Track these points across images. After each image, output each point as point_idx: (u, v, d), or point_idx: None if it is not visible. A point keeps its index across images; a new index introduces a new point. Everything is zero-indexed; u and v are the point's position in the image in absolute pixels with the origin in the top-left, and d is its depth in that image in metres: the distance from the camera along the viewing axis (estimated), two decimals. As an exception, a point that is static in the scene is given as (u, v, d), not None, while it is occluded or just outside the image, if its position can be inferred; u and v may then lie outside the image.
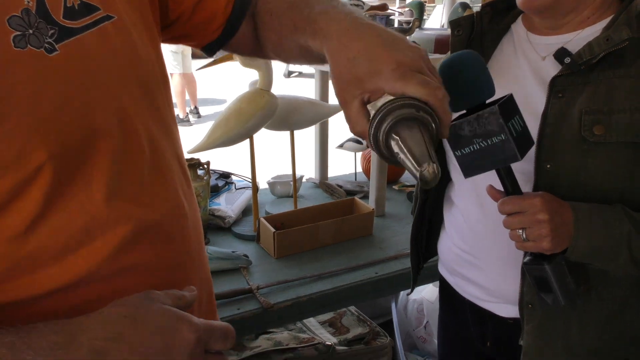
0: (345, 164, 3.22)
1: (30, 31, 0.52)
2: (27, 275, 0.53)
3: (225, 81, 7.37)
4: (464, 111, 0.75)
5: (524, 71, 0.93)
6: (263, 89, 1.58)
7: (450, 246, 1.12)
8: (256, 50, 0.83)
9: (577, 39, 0.88)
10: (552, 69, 0.89)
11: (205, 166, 1.69)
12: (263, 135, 2.02)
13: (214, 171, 1.99)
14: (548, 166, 0.86)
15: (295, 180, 1.85)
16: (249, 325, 1.33)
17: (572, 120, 0.84)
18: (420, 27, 2.16)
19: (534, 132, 0.84)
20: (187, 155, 1.71)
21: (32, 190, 0.52)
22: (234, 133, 1.58)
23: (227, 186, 1.97)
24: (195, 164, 1.67)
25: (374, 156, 1.86)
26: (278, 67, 8.72)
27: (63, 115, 0.53)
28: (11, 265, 0.52)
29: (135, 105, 0.62)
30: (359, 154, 2.19)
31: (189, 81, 5.85)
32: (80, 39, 0.56)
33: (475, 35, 1.00)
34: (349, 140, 2.15)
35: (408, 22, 2.28)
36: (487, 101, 0.75)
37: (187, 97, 5.94)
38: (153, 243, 0.61)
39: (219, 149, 1.63)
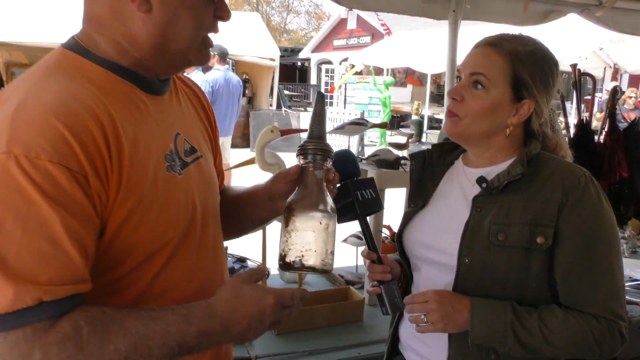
0: (349, 256, 3.47)
1: (173, 163, 0.89)
2: (159, 299, 0.89)
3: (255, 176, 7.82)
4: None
5: (458, 193, 1.23)
6: (276, 190, 1.92)
7: (406, 325, 1.34)
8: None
9: (492, 171, 1.18)
10: (476, 192, 1.18)
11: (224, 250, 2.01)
12: (276, 225, 2.33)
13: (232, 255, 2.30)
14: (467, 260, 1.13)
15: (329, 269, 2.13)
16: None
17: (484, 228, 1.12)
18: (420, 141, 2.52)
19: (459, 236, 1.14)
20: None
21: (163, 252, 0.87)
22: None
23: (242, 269, 2.26)
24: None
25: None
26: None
27: (183, 211, 0.90)
28: (146, 296, 0.88)
29: (209, 211, 1.00)
30: (360, 248, 2.47)
31: (226, 173, 6.33)
32: (191, 168, 0.93)
33: (428, 165, 1.32)
34: (352, 235, 2.44)
35: (411, 136, 2.65)
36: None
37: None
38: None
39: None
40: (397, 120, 14.34)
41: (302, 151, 1.00)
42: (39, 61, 0.85)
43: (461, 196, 1.22)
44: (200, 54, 0.90)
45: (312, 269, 0.93)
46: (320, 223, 0.92)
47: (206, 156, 1.02)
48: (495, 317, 1.06)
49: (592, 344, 1.05)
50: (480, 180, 1.17)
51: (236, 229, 1.21)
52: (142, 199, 0.82)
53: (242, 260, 2.31)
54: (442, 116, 13.20)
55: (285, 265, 0.93)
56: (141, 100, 0.88)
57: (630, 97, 8.96)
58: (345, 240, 2.47)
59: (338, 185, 1.11)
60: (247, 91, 11.46)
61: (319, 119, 1.02)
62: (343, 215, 1.14)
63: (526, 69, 1.11)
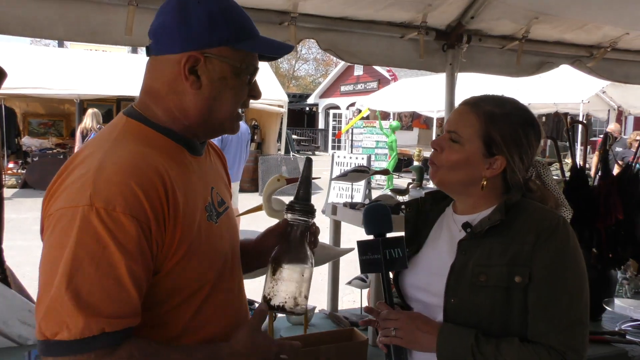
0: (354, 298, 3.54)
1: (211, 213, 1.05)
2: (198, 331, 1.03)
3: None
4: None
5: (447, 238, 1.33)
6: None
7: None
8: None
9: (477, 218, 1.28)
10: (462, 236, 1.28)
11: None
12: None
13: (240, 298, 2.38)
14: (452, 300, 1.22)
15: (307, 311, 2.22)
16: None
17: (468, 270, 1.22)
18: (421, 186, 2.63)
19: (445, 278, 1.24)
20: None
21: (202, 291, 1.02)
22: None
23: (250, 312, 2.34)
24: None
25: (372, 293, 2.22)
26: (319, 204, 9.33)
27: (219, 254, 1.05)
28: (187, 329, 1.02)
29: (238, 252, 1.18)
30: (365, 290, 2.55)
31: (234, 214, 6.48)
32: (222, 217, 1.08)
33: (422, 213, 1.44)
34: (356, 278, 2.52)
35: (412, 182, 2.76)
36: (388, 235, 1.27)
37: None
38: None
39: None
40: (404, 164, 14.52)
41: (290, 209, 1.18)
42: (107, 127, 1.05)
43: (449, 241, 1.32)
44: (234, 124, 1.09)
45: (291, 312, 1.12)
46: (303, 275, 1.12)
47: (230, 206, 1.17)
48: (459, 341, 1.16)
49: None
50: (466, 225, 1.27)
51: None
52: (191, 244, 0.98)
53: (250, 302, 2.39)
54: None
55: (269, 307, 1.12)
56: (188, 160, 1.05)
57: (637, 140, 9.07)
58: (349, 283, 2.55)
59: (368, 239, 1.25)
60: (256, 137, 11.72)
61: (306, 182, 1.21)
62: (368, 265, 1.25)
63: (497, 129, 1.24)
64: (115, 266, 0.87)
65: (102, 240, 0.86)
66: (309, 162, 1.23)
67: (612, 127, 9.71)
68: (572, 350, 1.13)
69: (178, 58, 0.99)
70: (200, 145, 1.10)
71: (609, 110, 11.90)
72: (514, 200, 1.25)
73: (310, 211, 1.18)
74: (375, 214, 1.29)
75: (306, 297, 1.15)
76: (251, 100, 1.10)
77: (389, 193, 2.46)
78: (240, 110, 1.08)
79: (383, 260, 1.22)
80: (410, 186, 2.43)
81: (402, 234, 1.41)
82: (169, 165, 0.98)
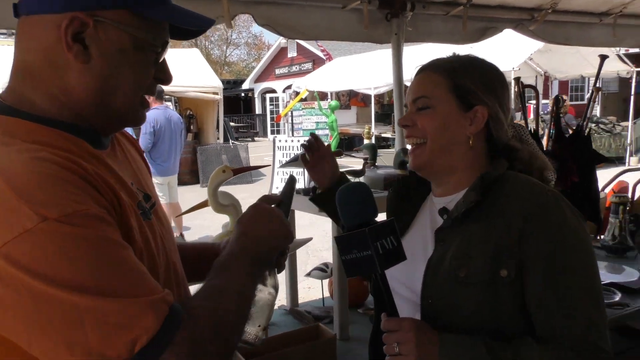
0: (314, 290, 3.39)
1: (144, 210, 0.84)
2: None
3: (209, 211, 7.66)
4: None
5: (426, 225, 1.17)
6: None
7: None
8: None
9: (454, 200, 1.12)
10: (441, 223, 1.12)
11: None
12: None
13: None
14: (430, 300, 1.06)
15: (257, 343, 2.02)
16: None
17: (446, 264, 1.05)
18: (375, 166, 2.48)
19: (422, 273, 1.07)
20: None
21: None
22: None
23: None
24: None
25: (335, 283, 2.06)
26: (264, 190, 9.11)
27: (161, 257, 0.86)
28: None
29: (177, 255, 0.96)
30: (326, 281, 2.39)
31: (174, 210, 6.14)
32: (152, 216, 0.88)
33: (405, 195, 1.26)
34: (315, 269, 2.36)
35: (365, 160, 2.60)
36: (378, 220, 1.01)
37: (173, 224, 6.20)
38: None
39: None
40: (345, 143, 14.47)
41: None
42: None
43: (429, 229, 1.15)
44: (137, 113, 0.85)
45: (255, 344, 0.98)
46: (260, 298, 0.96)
47: (158, 202, 0.95)
48: (466, 352, 0.97)
49: None
50: (443, 211, 1.11)
51: None
52: (135, 249, 0.77)
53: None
54: (389, 135, 13.43)
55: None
56: (94, 155, 0.80)
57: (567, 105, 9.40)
58: (309, 274, 2.39)
59: (349, 232, 0.98)
60: (192, 127, 11.29)
61: (285, 203, 1.00)
62: (356, 266, 0.96)
63: (466, 77, 1.09)
64: (122, 259, 0.71)
65: (88, 242, 0.68)
66: (291, 181, 1.02)
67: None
68: (599, 350, 0.96)
69: (57, 19, 0.74)
70: (104, 137, 0.87)
71: (536, 76, 12.30)
72: (493, 175, 1.07)
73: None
74: (355, 197, 1.01)
75: (260, 326, 0.98)
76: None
77: (345, 175, 2.29)
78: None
79: (376, 255, 0.93)
80: (365, 166, 2.28)
81: (385, 215, 1.22)
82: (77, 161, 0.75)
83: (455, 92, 1.09)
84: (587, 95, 14.28)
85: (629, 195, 3.10)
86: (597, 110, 13.50)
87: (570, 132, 2.60)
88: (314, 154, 1.48)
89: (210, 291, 0.81)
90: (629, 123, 11.73)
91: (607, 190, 3.24)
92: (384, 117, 16.55)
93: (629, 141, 11.64)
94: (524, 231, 0.99)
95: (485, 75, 1.11)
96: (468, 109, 1.09)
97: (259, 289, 0.94)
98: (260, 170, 10.78)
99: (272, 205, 0.97)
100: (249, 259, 0.86)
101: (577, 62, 11.10)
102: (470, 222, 1.06)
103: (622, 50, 10.80)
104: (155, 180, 5.75)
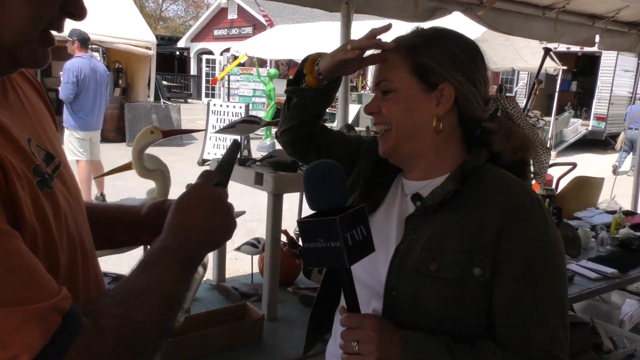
0: (241, 262, 3.27)
1: (43, 177, 0.67)
2: None
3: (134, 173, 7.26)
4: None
5: (394, 209, 1.07)
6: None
7: (332, 349, 1.17)
8: None
9: (429, 186, 1.03)
10: (412, 209, 1.03)
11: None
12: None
13: (106, 274, 1.99)
14: (394, 292, 0.98)
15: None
16: None
17: (415, 255, 0.97)
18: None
19: (388, 262, 0.99)
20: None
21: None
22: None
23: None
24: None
25: (267, 260, 1.96)
26: (195, 155, 8.79)
27: (65, 233, 0.69)
28: None
29: (87, 228, 0.79)
30: (256, 257, 2.28)
31: (96, 168, 5.76)
32: (56, 179, 0.71)
33: (381, 163, 1.12)
34: (246, 243, 2.24)
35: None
36: (347, 205, 0.89)
37: (94, 183, 5.82)
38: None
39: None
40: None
41: None
42: None
43: (398, 214, 1.06)
44: (35, 54, 0.67)
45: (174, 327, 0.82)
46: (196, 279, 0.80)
47: (65, 162, 0.77)
48: (428, 355, 0.92)
49: None
50: (415, 197, 1.03)
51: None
52: (28, 226, 0.61)
53: (119, 279, 2.01)
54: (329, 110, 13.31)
55: None
56: None
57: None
58: (238, 249, 2.27)
59: (316, 219, 0.85)
60: (120, 81, 10.65)
61: (224, 171, 0.83)
62: (320, 258, 0.86)
63: (426, 54, 0.99)
64: (3, 254, 0.56)
65: None
66: (235, 146, 0.86)
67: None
68: (557, 356, 0.92)
69: None
70: None
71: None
72: (473, 165, 0.99)
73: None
74: (324, 178, 0.89)
75: (183, 309, 0.81)
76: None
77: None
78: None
79: (345, 248, 0.83)
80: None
81: (352, 198, 1.10)
82: None
83: (417, 72, 0.99)
84: (515, 88, 14.84)
85: (553, 187, 3.21)
86: (522, 104, 14.10)
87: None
88: None
89: (127, 295, 0.66)
90: (552, 118, 12.35)
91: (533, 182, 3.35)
92: (321, 90, 16.37)
93: (549, 135, 12.28)
94: (503, 228, 0.93)
95: (449, 49, 1.01)
96: (432, 88, 0.99)
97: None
98: (193, 134, 10.38)
99: (215, 185, 0.81)
100: (182, 257, 0.72)
101: (510, 54, 11.42)
102: (444, 213, 0.97)
103: (562, 47, 11.23)
104: (76, 135, 5.34)
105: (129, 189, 6.02)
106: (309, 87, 1.14)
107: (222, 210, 0.76)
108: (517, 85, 15.21)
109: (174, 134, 1.81)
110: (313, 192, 0.89)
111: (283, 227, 2.19)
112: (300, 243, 0.92)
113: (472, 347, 0.93)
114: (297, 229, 0.88)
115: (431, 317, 0.96)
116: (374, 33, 1.05)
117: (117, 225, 0.95)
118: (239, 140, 0.87)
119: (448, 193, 0.96)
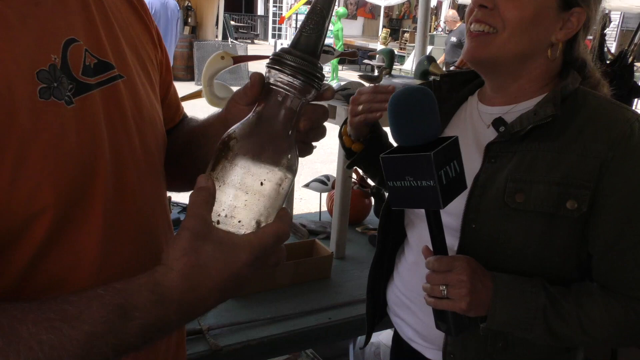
0: (305, 202, 3.24)
1: (55, 84, 0.57)
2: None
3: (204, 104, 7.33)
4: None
5: (469, 137, 0.98)
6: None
7: (394, 289, 1.15)
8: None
9: (514, 111, 0.93)
10: (492, 137, 0.93)
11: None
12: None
13: (177, 204, 1.99)
14: (473, 226, 0.90)
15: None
16: (197, 367, 1.32)
17: (498, 185, 0.88)
18: (390, 74, 2.22)
19: (466, 194, 0.88)
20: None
21: (36, 229, 0.56)
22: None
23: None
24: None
25: (337, 197, 1.88)
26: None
27: (72, 162, 0.58)
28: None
29: (132, 159, 0.67)
30: (325, 194, 2.22)
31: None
32: (93, 95, 0.61)
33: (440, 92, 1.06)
34: (315, 180, 2.17)
35: (382, 68, 2.35)
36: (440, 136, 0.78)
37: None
38: None
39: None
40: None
41: (276, 62, 0.59)
42: None
43: (473, 142, 0.97)
44: None
45: None
46: (262, 183, 0.58)
47: (132, 77, 0.69)
48: (524, 300, 0.83)
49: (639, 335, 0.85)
50: (498, 122, 0.91)
51: (188, 177, 0.89)
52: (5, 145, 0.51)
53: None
54: (395, 51, 12.84)
55: None
56: None
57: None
58: (307, 185, 2.21)
59: (406, 154, 0.74)
60: (189, 20, 10.69)
61: (316, 21, 0.60)
62: (406, 198, 0.77)
63: None
64: None
65: None
66: None
67: (450, 14, 9.08)
68: None
69: None
70: None
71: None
72: (571, 88, 0.88)
73: (313, 74, 0.59)
74: (415, 106, 0.77)
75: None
76: None
77: (358, 80, 2.05)
78: None
79: (439, 187, 0.73)
80: (384, 72, 2.03)
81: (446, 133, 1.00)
82: None
83: None
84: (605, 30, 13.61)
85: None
86: (613, 47, 12.94)
87: (610, 57, 2.34)
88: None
89: (28, 336, 0.48)
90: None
91: None
92: (392, 32, 15.83)
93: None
94: (608, 159, 0.81)
95: None
96: (567, 8, 0.87)
97: (286, 174, 0.59)
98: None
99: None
100: (143, 330, 0.53)
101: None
102: (532, 141, 0.87)
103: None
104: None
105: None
106: (358, 152, 1.14)
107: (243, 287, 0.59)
108: (607, 26, 13.97)
109: (246, 60, 1.74)
110: (400, 124, 0.78)
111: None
112: (371, 182, 0.82)
113: (569, 289, 0.84)
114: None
115: (513, 256, 0.87)
116: (376, 90, 1.03)
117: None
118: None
119: (544, 119, 0.85)
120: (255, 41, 21.75)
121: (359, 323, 1.53)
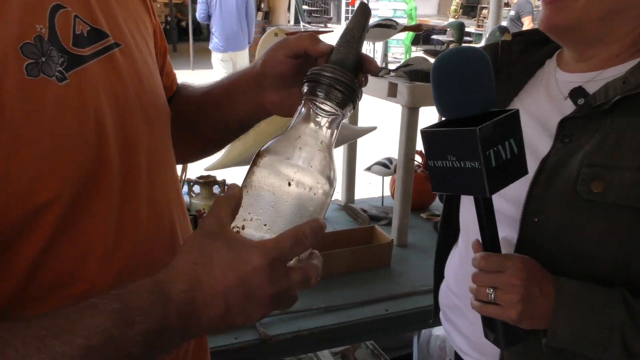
0: (374, 187, 3.11)
1: (43, 59, 0.50)
2: (45, 300, 0.53)
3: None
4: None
5: (543, 110, 0.83)
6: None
7: (445, 288, 1.03)
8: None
9: (599, 79, 0.76)
10: (569, 111, 0.77)
11: (221, 184, 1.66)
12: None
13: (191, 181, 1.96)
14: (536, 219, 0.75)
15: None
16: (246, 356, 1.27)
17: (571, 171, 0.73)
18: (460, 48, 2.06)
19: (529, 179, 0.75)
20: (203, 173, 1.69)
21: (40, 224, 0.50)
22: (251, 152, 1.54)
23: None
24: (211, 182, 1.64)
25: (398, 182, 1.77)
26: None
27: (74, 147, 0.52)
28: (22, 297, 0.52)
29: (138, 136, 0.61)
30: (387, 178, 2.11)
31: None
32: (88, 68, 0.55)
33: (502, 65, 0.89)
34: (377, 163, 2.07)
35: (450, 42, 2.19)
36: (491, 110, 0.65)
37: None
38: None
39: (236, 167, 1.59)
40: (422, 36, 13.38)
41: (312, 79, 0.57)
42: None
43: (546, 113, 0.82)
44: None
45: None
46: (290, 184, 0.54)
47: (129, 45, 0.61)
48: (595, 313, 0.68)
49: None
50: (577, 93, 0.76)
51: (205, 143, 0.83)
52: None
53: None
54: (472, 29, 12.27)
55: None
56: None
57: None
58: (369, 169, 2.11)
59: (447, 128, 0.64)
60: (262, 5, 10.80)
61: (351, 38, 0.59)
62: (446, 180, 0.65)
63: None
64: None
65: None
66: (363, 10, 0.61)
67: None
68: None
69: None
70: None
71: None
72: None
73: (350, 92, 0.57)
74: (461, 69, 0.64)
75: None
76: None
77: (423, 55, 1.91)
78: None
79: (486, 170, 0.61)
80: (450, 46, 1.88)
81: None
82: None
83: None
84: None
85: None
86: None
87: None
88: None
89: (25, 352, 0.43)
90: None
91: None
92: (468, 9, 15.12)
93: None
94: None
95: None
96: None
97: (328, 185, 0.57)
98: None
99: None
100: (146, 337, 0.47)
101: None
102: (619, 117, 0.71)
103: None
104: (216, 55, 5.47)
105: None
106: None
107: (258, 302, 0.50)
108: None
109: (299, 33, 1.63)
110: (445, 92, 0.66)
111: (418, 147, 1.97)
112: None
113: None
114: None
115: (585, 256, 0.72)
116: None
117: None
118: (367, 7, 0.62)
119: (635, 88, 0.69)
120: (328, 25, 21.67)
121: (420, 315, 1.42)
